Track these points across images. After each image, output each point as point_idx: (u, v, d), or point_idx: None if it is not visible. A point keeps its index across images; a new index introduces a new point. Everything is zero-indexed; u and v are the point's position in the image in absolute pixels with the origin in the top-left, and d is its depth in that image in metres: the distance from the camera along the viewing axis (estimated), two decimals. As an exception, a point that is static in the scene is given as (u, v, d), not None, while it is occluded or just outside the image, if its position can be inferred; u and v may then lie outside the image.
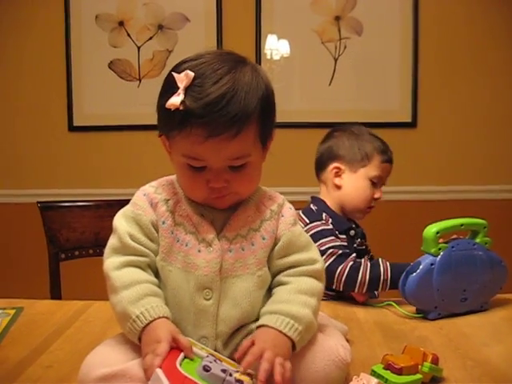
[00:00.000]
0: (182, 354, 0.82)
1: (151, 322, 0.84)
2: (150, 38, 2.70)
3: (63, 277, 1.87)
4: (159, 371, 0.75)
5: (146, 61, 2.70)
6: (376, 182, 1.52)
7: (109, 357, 0.84)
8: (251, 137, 0.88)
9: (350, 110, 2.72)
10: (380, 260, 1.37)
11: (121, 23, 2.70)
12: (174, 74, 0.86)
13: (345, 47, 2.68)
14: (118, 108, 2.70)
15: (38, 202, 1.90)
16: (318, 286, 0.95)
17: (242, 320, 0.92)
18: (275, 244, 0.95)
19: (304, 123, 2.71)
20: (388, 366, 0.92)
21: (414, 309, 1.30)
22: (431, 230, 1.25)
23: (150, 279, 0.90)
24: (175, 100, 0.84)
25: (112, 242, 0.93)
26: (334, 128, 1.64)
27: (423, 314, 1.27)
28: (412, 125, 2.73)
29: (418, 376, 0.92)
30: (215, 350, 0.90)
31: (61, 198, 2.20)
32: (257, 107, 0.87)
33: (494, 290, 1.32)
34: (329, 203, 1.53)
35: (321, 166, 1.58)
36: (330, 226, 1.45)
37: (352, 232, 1.49)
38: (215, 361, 0.82)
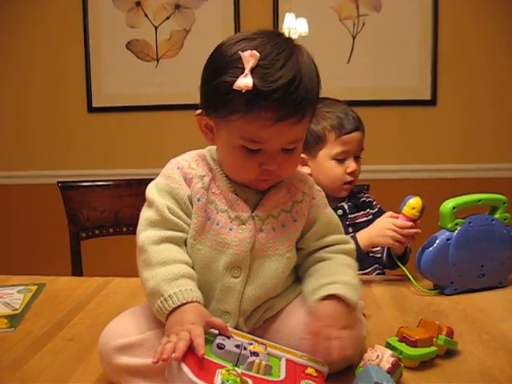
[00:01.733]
0: None
1: (183, 304, 0.81)
2: (167, 18, 2.70)
3: (84, 255, 1.90)
4: (183, 364, 0.74)
5: (164, 41, 2.70)
6: (343, 158, 1.46)
7: (127, 327, 0.86)
8: (308, 121, 0.89)
9: (368, 88, 2.70)
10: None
11: (138, 3, 2.70)
12: (241, 53, 0.82)
13: (363, 24, 2.65)
14: (136, 88, 2.71)
15: (59, 182, 1.93)
16: (354, 262, 0.98)
17: (265, 298, 0.93)
18: (307, 226, 0.97)
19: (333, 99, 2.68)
20: (403, 339, 0.93)
21: (431, 284, 1.30)
22: (448, 205, 1.24)
23: (187, 260, 0.89)
24: (246, 81, 0.80)
25: (149, 214, 0.90)
26: None
27: (440, 290, 1.27)
28: (432, 103, 2.69)
29: (433, 348, 0.92)
30: (237, 327, 0.91)
31: (80, 178, 2.23)
32: (316, 92, 0.88)
33: (512, 266, 1.31)
34: None
35: None
36: None
37: (340, 211, 1.47)
38: (228, 337, 0.83)
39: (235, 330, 0.89)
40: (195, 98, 2.97)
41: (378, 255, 1.45)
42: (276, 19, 2.67)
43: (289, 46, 0.86)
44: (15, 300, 1.27)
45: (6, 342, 1.05)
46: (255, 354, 0.81)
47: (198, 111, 0.93)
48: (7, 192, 2.85)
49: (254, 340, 0.86)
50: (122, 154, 2.73)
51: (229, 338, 0.83)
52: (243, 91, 0.80)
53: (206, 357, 0.78)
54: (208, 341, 0.83)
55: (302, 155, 1.47)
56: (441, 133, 2.72)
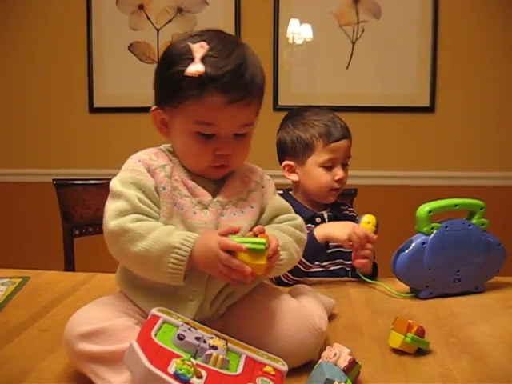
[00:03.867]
0: (158, 323, 0.85)
1: (194, 245, 0.86)
2: (169, 21, 2.73)
3: (77, 252, 1.93)
4: (134, 343, 0.78)
5: (165, 43, 2.66)
6: (331, 165, 1.47)
7: (92, 315, 0.88)
8: (256, 107, 0.97)
9: (367, 94, 2.71)
10: None
11: (140, 6, 2.74)
12: (190, 44, 0.91)
13: (363, 31, 2.67)
14: (137, 90, 2.71)
15: (54, 180, 1.96)
16: (297, 232, 1.00)
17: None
18: (261, 213, 1.02)
19: (320, 107, 2.69)
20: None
21: (407, 288, 1.31)
22: (424, 209, 1.25)
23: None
24: (198, 67, 0.88)
25: (118, 204, 0.90)
26: (287, 114, 1.61)
27: (415, 293, 1.27)
28: (430, 109, 2.69)
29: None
30: (201, 308, 0.93)
31: (80, 177, 2.25)
32: (261, 81, 0.96)
33: (490, 272, 1.31)
34: (294, 193, 1.55)
35: (278, 158, 1.57)
36: None
37: (318, 219, 1.48)
38: (190, 329, 0.85)
39: (199, 324, 0.91)
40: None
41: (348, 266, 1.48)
42: (276, 24, 2.69)
43: (234, 41, 0.96)
44: (-3, 292, 1.29)
45: (-17, 331, 1.08)
46: (214, 347, 0.83)
47: (154, 107, 0.99)
48: (6, 189, 2.90)
49: (215, 334, 0.88)
50: (122, 154, 2.72)
51: (191, 329, 0.85)
52: (195, 77, 0.88)
53: (164, 346, 0.80)
54: (170, 330, 0.85)
55: (290, 162, 1.51)
56: (439, 140, 2.72)
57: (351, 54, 2.69)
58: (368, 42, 2.67)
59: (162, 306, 0.89)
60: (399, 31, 2.66)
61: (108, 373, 0.83)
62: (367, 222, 1.40)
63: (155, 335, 0.82)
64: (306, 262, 1.34)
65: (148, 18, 2.74)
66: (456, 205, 1.27)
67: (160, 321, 0.86)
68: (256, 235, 0.89)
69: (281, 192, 1.56)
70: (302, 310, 0.93)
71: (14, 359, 0.96)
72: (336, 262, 1.49)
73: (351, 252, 1.43)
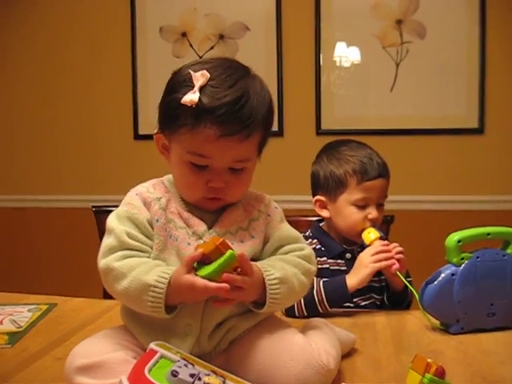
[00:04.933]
0: (155, 358, 0.83)
1: (170, 281, 0.85)
2: (212, 48, 2.77)
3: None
4: (124, 380, 0.77)
5: (208, 70, 2.76)
6: (364, 204, 1.40)
7: (91, 348, 0.88)
8: (256, 143, 0.93)
9: (412, 117, 2.63)
10: (314, 280, 1.31)
11: (183, 34, 2.79)
12: (191, 72, 0.89)
13: (407, 51, 2.60)
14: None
15: (93, 207, 2.00)
16: (304, 263, 0.96)
17: (227, 314, 0.93)
18: (265, 242, 0.98)
19: (364, 130, 2.65)
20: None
21: (439, 322, 1.23)
22: (453, 238, 1.18)
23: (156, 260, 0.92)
24: (193, 97, 0.87)
25: (108, 241, 0.92)
26: (323, 146, 1.54)
27: (445, 328, 1.20)
28: (479, 131, 2.58)
29: None
30: (199, 342, 0.91)
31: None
32: (264, 115, 0.92)
33: (528, 305, 1.22)
34: (326, 228, 1.49)
35: (312, 192, 1.51)
36: None
37: (348, 255, 1.42)
38: (186, 365, 0.82)
39: (198, 360, 0.88)
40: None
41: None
42: (318, 47, 2.67)
43: (241, 71, 0.92)
44: (23, 318, 1.31)
45: (1, 357, 1.10)
46: (208, 385, 0.80)
47: (156, 131, 0.98)
48: (48, 215, 2.98)
49: (214, 371, 0.85)
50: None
51: (187, 365, 0.82)
52: (191, 106, 0.86)
53: (156, 383, 0.77)
54: (167, 366, 0.83)
55: (322, 198, 1.46)
56: (489, 163, 2.60)
57: (395, 76, 2.62)
58: (412, 63, 2.60)
59: (160, 340, 0.87)
60: (445, 51, 2.58)
61: None
62: (368, 233, 1.37)
63: (149, 371, 0.80)
64: (327, 306, 1.29)
65: (191, 46, 2.78)
66: (489, 233, 1.19)
67: (157, 356, 0.84)
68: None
69: (315, 220, 1.53)
70: (307, 347, 0.88)
71: (23, 388, 0.96)
72: (367, 296, 1.43)
73: (381, 287, 1.38)
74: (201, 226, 0.94)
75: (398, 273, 1.31)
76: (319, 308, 1.29)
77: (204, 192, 0.93)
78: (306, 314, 1.29)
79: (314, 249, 1.43)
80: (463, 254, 1.17)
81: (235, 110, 0.87)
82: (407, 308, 1.39)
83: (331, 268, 1.41)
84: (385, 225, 1.74)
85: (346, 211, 1.41)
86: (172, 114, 0.91)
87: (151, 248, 0.93)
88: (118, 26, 2.84)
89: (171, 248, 0.93)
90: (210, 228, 0.95)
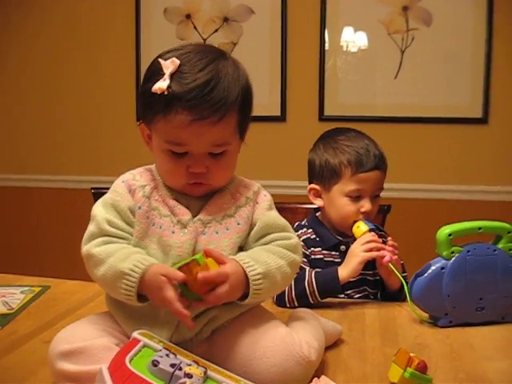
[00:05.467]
0: (137, 347, 0.83)
1: (145, 272, 0.85)
2: (216, 31, 2.74)
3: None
4: (104, 368, 0.77)
5: (212, 53, 2.74)
6: (358, 196, 1.39)
7: (74, 334, 0.88)
8: (232, 125, 0.93)
9: (416, 105, 2.60)
10: (306, 271, 1.31)
11: (188, 16, 2.76)
12: (161, 61, 0.90)
13: (412, 39, 2.56)
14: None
15: (92, 188, 2.00)
16: (290, 254, 0.96)
17: None
18: (251, 229, 0.98)
19: (367, 117, 2.62)
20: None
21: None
22: (444, 231, 1.17)
23: (132, 247, 0.93)
24: (162, 84, 0.88)
25: (90, 228, 0.95)
26: (322, 134, 1.52)
27: (434, 321, 1.19)
28: (483, 121, 2.55)
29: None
30: (178, 329, 0.91)
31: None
32: (238, 97, 0.92)
33: (519, 301, 1.21)
34: (321, 218, 1.48)
35: (308, 180, 1.50)
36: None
37: (343, 247, 1.41)
38: (168, 355, 0.82)
39: (181, 349, 0.88)
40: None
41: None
42: (323, 32, 2.64)
43: (212, 55, 0.91)
44: (15, 300, 1.32)
45: (-10, 339, 1.11)
46: (189, 375, 0.80)
47: (139, 121, 0.98)
48: (53, 195, 3.00)
49: (196, 361, 0.85)
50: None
51: (168, 355, 0.83)
52: (162, 94, 0.87)
53: (136, 372, 0.78)
54: (149, 355, 0.83)
55: (316, 186, 1.45)
56: (492, 153, 2.57)
57: (400, 63, 2.59)
58: (418, 51, 2.57)
59: (141, 325, 0.89)
60: (451, 39, 2.54)
61: None
62: (356, 227, 1.36)
63: (130, 360, 0.81)
64: (318, 297, 1.29)
65: (195, 28, 2.76)
66: (480, 228, 1.18)
67: (140, 344, 0.85)
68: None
69: (312, 209, 1.53)
70: (289, 338, 0.88)
71: (9, 370, 0.97)
72: (361, 289, 1.42)
73: (376, 281, 1.39)
74: (186, 215, 0.94)
75: (390, 265, 1.30)
76: (310, 299, 1.29)
77: (186, 178, 0.93)
78: (296, 304, 1.29)
79: (309, 238, 1.43)
80: (453, 248, 1.17)
81: (204, 94, 0.87)
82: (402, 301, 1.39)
83: (325, 259, 1.41)
84: (381, 214, 1.74)
85: (339, 202, 1.40)
86: (147, 103, 0.92)
87: (131, 235, 0.94)
88: (123, 6, 2.82)
89: (152, 235, 0.93)
90: (196, 215, 0.95)
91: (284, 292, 1.29)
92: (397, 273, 1.30)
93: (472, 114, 2.56)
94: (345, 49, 2.66)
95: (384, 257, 1.31)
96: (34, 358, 1.02)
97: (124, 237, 0.93)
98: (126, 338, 0.90)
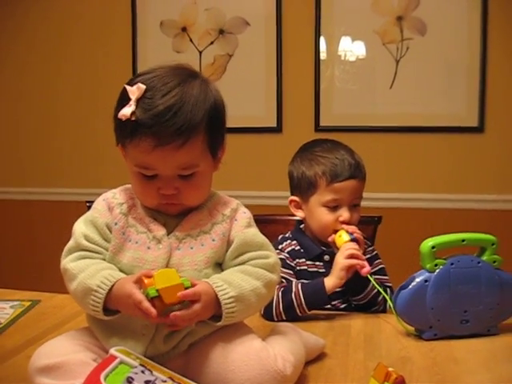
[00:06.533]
0: (113, 363, 0.84)
1: (112, 287, 0.87)
2: (212, 43, 2.76)
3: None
4: None
5: (208, 65, 2.77)
6: (336, 206, 1.39)
7: (53, 349, 0.90)
8: (199, 147, 0.93)
9: (412, 114, 2.61)
10: (293, 283, 1.32)
11: (184, 29, 2.78)
12: (127, 87, 0.92)
13: (407, 48, 2.57)
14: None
15: (87, 202, 2.01)
16: (266, 274, 0.96)
17: None
18: (229, 246, 0.98)
19: (363, 127, 2.63)
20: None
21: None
22: (427, 244, 1.17)
23: (106, 262, 0.96)
24: (126, 111, 0.90)
25: (69, 243, 0.99)
26: (300, 147, 1.53)
27: (419, 334, 1.19)
28: (479, 130, 2.55)
29: None
30: (153, 343, 0.92)
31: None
32: (204, 119, 0.92)
33: (504, 313, 1.21)
34: (304, 229, 1.49)
35: (290, 192, 1.51)
36: (283, 256, 1.41)
37: (326, 257, 1.41)
38: (143, 371, 0.83)
39: (158, 366, 0.89)
40: (237, 121, 3.00)
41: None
42: (318, 43, 2.65)
43: (179, 78, 0.92)
44: (4, 315, 1.34)
45: (-25, 354, 1.12)
46: (163, 391, 0.81)
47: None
48: (52, 207, 3.02)
49: (171, 377, 0.86)
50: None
51: (144, 372, 0.83)
52: (128, 120, 0.89)
53: (114, 389, 0.79)
54: (125, 372, 0.84)
55: (296, 198, 1.47)
56: (488, 162, 2.57)
57: (395, 73, 2.60)
58: (413, 60, 2.58)
59: (117, 339, 0.91)
60: (446, 48, 2.55)
61: None
62: (339, 235, 1.36)
63: (106, 377, 0.81)
64: (306, 309, 1.29)
65: (191, 40, 2.78)
66: (463, 240, 1.18)
67: (116, 361, 0.85)
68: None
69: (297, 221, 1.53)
70: (264, 352, 0.88)
71: (-7, 386, 0.98)
72: (345, 299, 1.42)
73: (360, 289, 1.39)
74: (160, 231, 0.96)
75: (369, 276, 1.31)
76: (298, 311, 1.29)
77: (158, 199, 0.95)
78: (284, 317, 1.29)
79: (294, 250, 1.44)
80: (437, 261, 1.17)
81: (166, 119, 0.88)
82: (383, 311, 1.39)
83: (309, 270, 1.41)
84: (372, 225, 1.74)
85: (318, 212, 1.41)
86: (116, 128, 0.94)
87: (107, 250, 0.97)
88: (119, 19, 2.85)
89: (128, 250, 0.95)
90: (172, 231, 0.96)
91: (271, 305, 1.29)
92: (376, 285, 1.31)
93: (468, 123, 2.55)
94: (341, 59, 2.67)
95: (364, 267, 1.31)
96: (19, 373, 1.02)
97: (99, 251, 0.97)
98: (104, 353, 0.91)
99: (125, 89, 0.92)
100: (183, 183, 0.93)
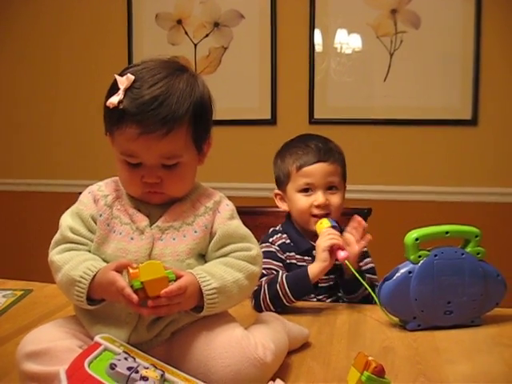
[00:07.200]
0: (98, 350, 0.86)
1: (94, 277, 0.90)
2: (207, 36, 2.76)
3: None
4: (61, 371, 0.80)
5: (203, 58, 2.77)
6: (309, 189, 1.43)
7: (41, 335, 0.91)
8: (182, 139, 0.95)
9: (405, 107, 2.61)
10: (279, 274, 1.33)
11: (179, 21, 2.78)
12: (117, 77, 0.95)
13: (401, 41, 2.57)
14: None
15: (80, 193, 2.02)
16: (248, 266, 0.98)
17: None
18: (211, 238, 1.00)
19: (356, 120, 2.64)
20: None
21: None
22: (411, 235, 1.19)
23: (89, 253, 0.98)
24: (114, 99, 0.93)
25: (56, 236, 1.01)
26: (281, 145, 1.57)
27: (403, 324, 1.21)
28: (472, 122, 2.55)
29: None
30: (136, 330, 0.94)
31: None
32: (188, 111, 0.94)
33: (487, 304, 1.22)
34: (292, 221, 1.51)
35: None
36: (273, 249, 1.43)
37: (315, 252, 1.40)
38: (126, 358, 0.85)
39: (141, 353, 0.91)
40: (231, 113, 2.99)
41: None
42: (312, 36, 2.65)
43: (167, 71, 0.95)
44: (-4, 304, 1.35)
45: (-35, 342, 1.14)
46: (145, 378, 0.82)
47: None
48: (45, 198, 3.03)
49: (153, 364, 0.88)
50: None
51: (127, 358, 0.85)
52: (115, 108, 0.92)
53: (94, 375, 0.81)
54: (109, 358, 0.86)
55: (279, 192, 1.52)
56: (482, 154, 2.58)
57: (389, 66, 2.60)
58: (406, 53, 2.57)
59: (102, 326, 0.93)
60: (440, 41, 2.54)
61: None
62: (320, 223, 1.39)
63: (90, 363, 0.83)
64: (292, 298, 1.30)
65: (186, 33, 2.78)
66: (447, 232, 1.19)
67: (100, 348, 0.87)
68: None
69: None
70: (244, 340, 0.90)
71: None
72: (332, 292, 1.44)
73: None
74: (143, 222, 0.98)
75: (347, 262, 1.32)
76: (284, 301, 1.30)
77: (141, 187, 0.97)
78: (272, 308, 1.30)
79: (284, 243, 1.46)
80: (421, 252, 1.18)
81: (152, 108, 0.91)
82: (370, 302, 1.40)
83: (298, 264, 1.43)
84: (362, 217, 1.74)
85: (294, 198, 1.46)
86: (105, 116, 0.98)
87: (93, 241, 0.99)
88: (115, 12, 2.85)
89: (112, 241, 0.98)
90: (155, 223, 0.98)
91: (259, 297, 1.31)
92: (353, 270, 1.31)
93: (461, 116, 2.56)
94: (337, 51, 2.67)
95: (342, 249, 1.33)
96: (8, 360, 1.04)
97: (85, 243, 0.99)
98: (90, 341, 0.92)
99: (115, 79, 0.95)
100: (166, 173, 0.96)
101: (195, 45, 2.77)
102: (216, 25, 2.75)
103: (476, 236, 1.20)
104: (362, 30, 2.61)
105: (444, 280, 1.18)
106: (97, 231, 0.99)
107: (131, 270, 0.88)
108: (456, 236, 1.21)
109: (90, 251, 0.99)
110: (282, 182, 1.50)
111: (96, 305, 0.92)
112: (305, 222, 1.45)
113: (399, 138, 2.65)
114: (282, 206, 1.52)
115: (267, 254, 1.40)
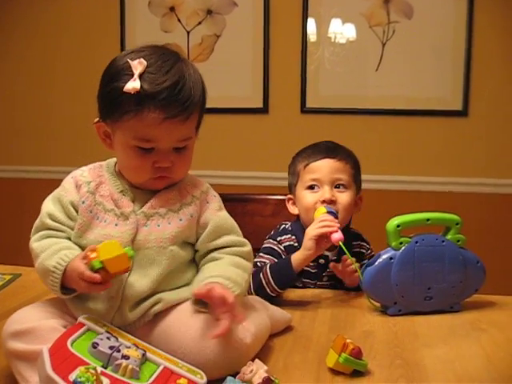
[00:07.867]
0: (81, 330, 0.88)
1: (66, 267, 0.91)
2: (199, 23, 2.76)
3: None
4: (45, 349, 0.81)
5: (195, 45, 2.77)
6: (315, 185, 1.40)
7: (26, 315, 0.93)
8: (195, 122, 1.00)
9: (397, 97, 2.63)
10: (265, 264, 1.34)
11: (172, 8, 2.78)
12: (130, 61, 0.94)
13: (393, 31, 2.58)
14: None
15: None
16: (248, 264, 1.04)
17: (153, 288, 0.97)
18: (201, 229, 1.03)
19: (348, 109, 2.66)
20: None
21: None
22: (393, 222, 1.21)
23: (66, 241, 0.99)
24: (134, 84, 0.92)
25: (36, 222, 1.03)
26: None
27: (384, 309, 1.23)
28: (463, 113, 2.57)
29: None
30: (120, 312, 0.96)
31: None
32: (200, 96, 0.98)
33: (467, 291, 1.25)
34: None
35: None
36: (278, 248, 1.41)
37: (321, 260, 1.41)
38: (108, 338, 0.87)
39: (123, 333, 0.93)
40: (224, 101, 2.98)
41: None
42: (305, 25, 2.66)
43: (174, 57, 0.97)
44: (-16, 287, 1.37)
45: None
46: (126, 357, 0.84)
47: (96, 119, 1.02)
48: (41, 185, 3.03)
49: (135, 344, 0.90)
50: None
51: (109, 338, 0.87)
52: (133, 93, 0.91)
53: (76, 353, 0.83)
54: (91, 338, 0.88)
55: (291, 196, 1.49)
56: (472, 145, 2.60)
57: (381, 56, 2.61)
58: (399, 43, 2.59)
59: (86, 308, 0.95)
60: (432, 32, 2.56)
61: (28, 372, 0.87)
62: (317, 211, 1.35)
63: (72, 342, 0.85)
64: (275, 287, 1.29)
65: (179, 20, 2.78)
66: (428, 219, 1.21)
67: (84, 328, 0.90)
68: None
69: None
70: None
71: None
72: (327, 283, 1.45)
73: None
74: (128, 207, 0.99)
75: (340, 243, 1.26)
76: (268, 290, 1.28)
77: (151, 173, 0.98)
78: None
79: (292, 246, 1.42)
80: (402, 239, 1.20)
81: (175, 94, 0.93)
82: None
83: (304, 268, 1.36)
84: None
85: (300, 196, 1.43)
86: (115, 102, 0.95)
87: (72, 229, 1.00)
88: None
89: (95, 228, 0.98)
90: (140, 209, 1.00)
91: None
92: (349, 255, 1.28)
93: (452, 107, 2.58)
94: (331, 41, 2.68)
95: (334, 233, 1.27)
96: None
97: (64, 230, 1.00)
98: (74, 321, 0.94)
99: (122, 63, 0.94)
100: (176, 156, 0.98)
101: (188, 32, 2.77)
102: (209, 12, 2.75)
103: (457, 223, 1.22)
104: (355, 19, 2.62)
105: (424, 266, 1.21)
106: (79, 218, 0.99)
107: (91, 255, 0.89)
108: (437, 223, 1.23)
109: (69, 238, 1.00)
110: (292, 185, 1.48)
111: (71, 294, 0.94)
112: (311, 221, 1.35)
113: (390, 127, 2.67)
114: (294, 211, 1.48)
115: (270, 251, 1.41)
